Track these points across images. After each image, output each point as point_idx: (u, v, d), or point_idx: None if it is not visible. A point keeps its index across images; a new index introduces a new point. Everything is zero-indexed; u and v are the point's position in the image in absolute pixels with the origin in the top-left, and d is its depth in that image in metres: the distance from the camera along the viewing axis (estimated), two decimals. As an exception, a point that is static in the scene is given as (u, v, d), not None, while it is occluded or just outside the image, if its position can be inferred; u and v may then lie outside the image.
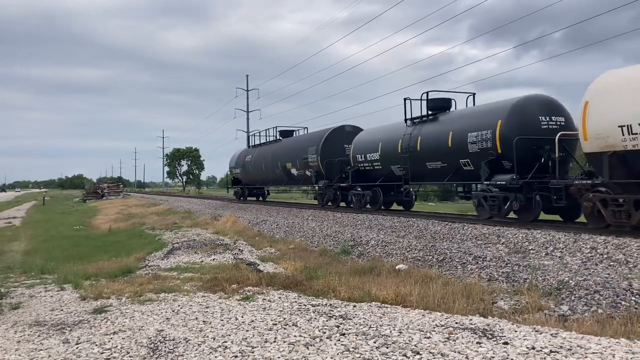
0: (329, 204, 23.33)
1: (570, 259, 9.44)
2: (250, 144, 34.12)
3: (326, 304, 7.33)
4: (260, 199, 35.03)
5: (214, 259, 12.84)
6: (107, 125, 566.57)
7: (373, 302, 7.57)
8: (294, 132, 29.58)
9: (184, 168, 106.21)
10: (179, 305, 7.42)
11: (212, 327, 6.07)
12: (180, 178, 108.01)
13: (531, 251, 10.34)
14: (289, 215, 22.04)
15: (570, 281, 7.69)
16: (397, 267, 10.50)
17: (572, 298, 7.25)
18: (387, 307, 7.17)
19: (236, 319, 6.45)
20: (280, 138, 29.15)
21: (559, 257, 9.69)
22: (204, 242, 15.64)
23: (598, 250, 9.41)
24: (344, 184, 21.39)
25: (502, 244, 11.22)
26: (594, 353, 4.31)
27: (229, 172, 35.71)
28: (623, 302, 6.68)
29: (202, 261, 12.60)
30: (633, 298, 6.71)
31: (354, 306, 7.20)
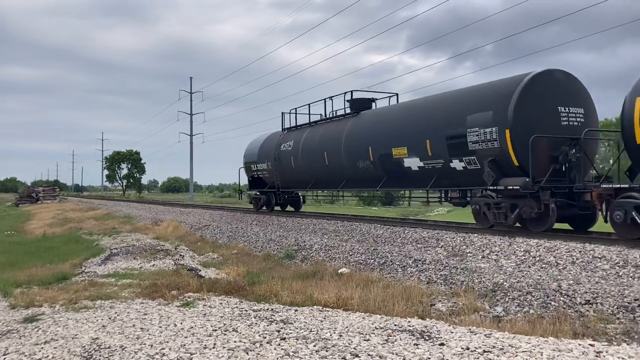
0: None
1: (505, 261, 9.79)
2: (285, 126, 22.26)
3: (268, 309, 7.30)
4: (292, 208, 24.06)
5: (153, 265, 12.55)
6: (43, 127, 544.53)
7: (315, 306, 7.60)
8: (373, 103, 18.60)
9: (124, 171, 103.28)
10: (115, 313, 7.21)
11: (149, 334, 5.93)
12: (120, 182, 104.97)
13: (468, 254, 10.66)
14: (233, 220, 21.84)
15: (505, 283, 7.97)
16: (339, 271, 10.58)
17: (506, 299, 7.52)
18: (328, 311, 7.21)
19: (175, 325, 6.33)
20: (355, 112, 17.91)
21: (495, 260, 10.02)
22: (143, 248, 15.26)
23: (531, 253, 9.80)
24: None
25: (441, 247, 11.51)
26: (523, 352, 4.49)
27: (243, 170, 24.83)
28: (553, 303, 6.98)
29: (141, 267, 12.29)
30: (562, 298, 7.02)
31: (296, 310, 7.20)
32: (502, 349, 4.62)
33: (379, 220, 17.92)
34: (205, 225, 21.12)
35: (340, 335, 5.50)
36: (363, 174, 16.59)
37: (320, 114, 20.44)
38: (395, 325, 6.02)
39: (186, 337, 5.69)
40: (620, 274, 8.05)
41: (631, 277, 7.86)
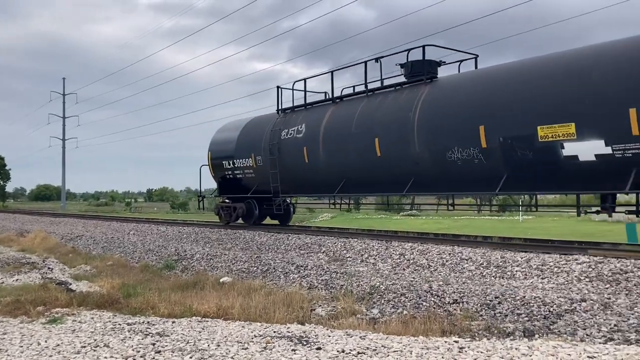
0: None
1: (382, 264, 10.19)
2: (280, 107, 16.11)
3: (143, 322, 7.00)
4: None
5: (17, 280, 11.56)
6: None
7: (194, 317, 7.41)
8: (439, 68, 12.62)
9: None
10: (-32, 334, 6.53)
11: (8, 354, 5.44)
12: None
13: (348, 259, 10.97)
14: (109, 230, 20.72)
15: (381, 286, 8.28)
16: (221, 280, 10.41)
17: (382, 301, 7.81)
18: (207, 321, 7.06)
19: (39, 344, 5.86)
20: (429, 78, 12.05)
21: (373, 263, 10.40)
22: (6, 261, 14.01)
23: (406, 256, 10.28)
24: None
25: (323, 252, 11.74)
26: (395, 351, 4.68)
27: (208, 169, 18.44)
28: (424, 303, 7.37)
29: (2, 282, 11.26)
30: (432, 299, 7.43)
31: (173, 322, 6.97)
32: (375, 349, 4.79)
33: (263, 227, 17.91)
34: (78, 236, 19.83)
35: (218, 345, 5.40)
36: (460, 170, 10.74)
37: (340, 90, 14.60)
38: (274, 332, 6.02)
39: (51, 356, 5.29)
40: (484, 274, 8.69)
41: (493, 276, 8.52)
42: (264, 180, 15.79)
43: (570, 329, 5.83)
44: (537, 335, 5.77)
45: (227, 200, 17.90)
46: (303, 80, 15.70)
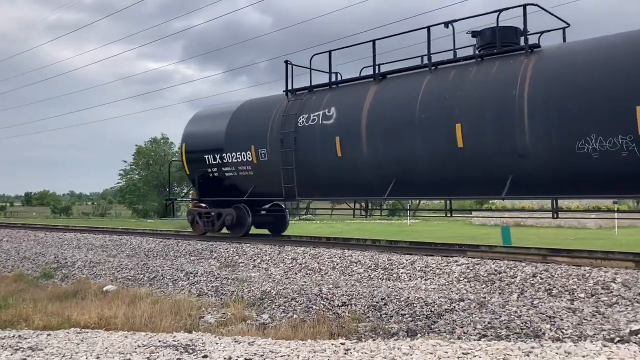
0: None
1: (275, 269, 10.19)
2: (291, 86, 12.73)
3: (14, 336, 6.45)
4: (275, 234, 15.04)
5: None
6: None
7: (72, 328, 6.97)
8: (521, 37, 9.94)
9: None
10: None
11: None
12: None
13: (240, 264, 10.85)
14: (-21, 236, 19.00)
15: (272, 291, 8.27)
16: (105, 289, 9.89)
17: (273, 306, 7.80)
18: (87, 332, 6.66)
19: None
20: (530, 48, 9.30)
21: (265, 268, 10.37)
22: None
23: (298, 261, 10.36)
24: None
25: (214, 258, 11.52)
26: (282, 356, 4.68)
27: (182, 164, 15.07)
28: (314, 307, 7.45)
29: None
30: (322, 302, 7.53)
31: (49, 335, 6.50)
32: (263, 355, 4.76)
33: (152, 233, 17.26)
34: (-58, 244, 18.00)
35: (98, 358, 5.10)
36: (596, 165, 8.28)
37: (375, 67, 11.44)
38: (160, 341, 5.80)
39: None
40: (372, 276, 8.96)
41: (380, 278, 8.80)
42: (269, 180, 12.58)
43: (449, 327, 6.16)
44: (419, 335, 6.04)
45: (202, 205, 14.26)
46: (327, 53, 12.14)
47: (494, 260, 8.63)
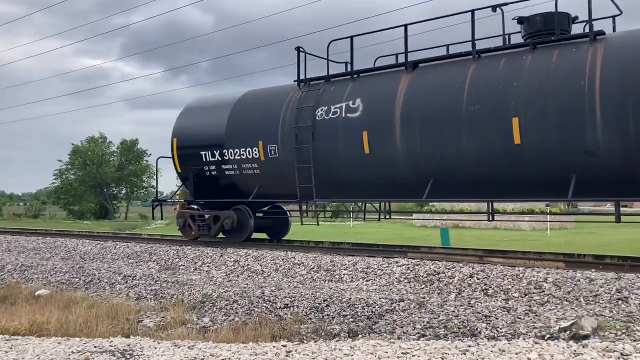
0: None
1: (216, 272, 10.06)
2: (305, 76, 11.59)
3: None
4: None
5: None
6: None
7: (1, 335, 6.63)
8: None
9: None
10: None
11: None
12: None
13: (181, 267, 10.65)
14: None
15: (214, 294, 8.16)
16: (37, 293, 9.49)
17: (214, 309, 7.70)
18: (17, 339, 6.36)
19: None
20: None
21: (206, 271, 10.22)
22: None
23: (240, 263, 10.27)
24: None
25: (154, 261, 11.26)
26: (223, 359, 4.63)
27: (173, 161, 13.43)
28: (256, 309, 7.40)
29: None
30: (264, 304, 7.50)
31: (-26, 343, 6.17)
32: (203, 359, 4.69)
33: (89, 235, 16.70)
34: None
35: (28, 366, 4.89)
36: None
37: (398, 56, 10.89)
38: (95, 347, 5.61)
39: None
40: (315, 278, 9.00)
41: (323, 280, 8.85)
42: (279, 179, 11.47)
43: (390, 327, 6.26)
44: (360, 335, 6.11)
45: (194, 206, 12.94)
46: (349, 38, 11.08)
47: (434, 261, 8.84)
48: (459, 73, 9.42)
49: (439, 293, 7.59)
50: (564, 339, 4.96)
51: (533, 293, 7.15)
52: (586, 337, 4.94)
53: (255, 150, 11.67)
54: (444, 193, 9.74)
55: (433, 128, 9.46)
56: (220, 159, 12.32)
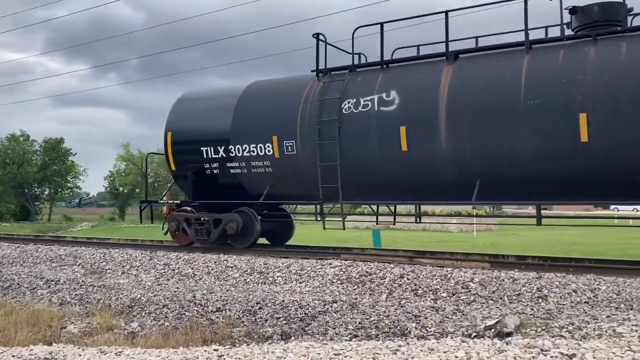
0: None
1: (145, 276, 9.78)
2: (325, 65, 10.74)
3: None
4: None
5: None
6: None
7: None
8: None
9: None
10: None
11: None
12: None
13: (108, 271, 10.29)
14: None
15: (143, 298, 7.92)
16: (-52, 300, 8.87)
17: (143, 314, 7.47)
18: None
19: None
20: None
21: (135, 275, 9.91)
22: None
23: (171, 266, 10.03)
24: None
25: (79, 265, 10.83)
26: (152, 365, 4.50)
27: (167, 157, 12.30)
28: (187, 313, 7.25)
29: None
30: (196, 308, 7.35)
31: None
32: (131, 365, 4.53)
33: (8, 238, 15.82)
34: None
35: (-62, 378, 4.56)
36: None
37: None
38: (13, 356, 5.30)
39: None
40: (248, 280, 8.92)
41: (256, 282, 8.79)
42: (296, 178, 10.53)
43: (322, 329, 6.29)
44: (292, 338, 6.10)
45: (187, 209, 11.78)
46: (379, 25, 10.17)
47: (366, 262, 8.97)
48: (511, 64, 8.80)
49: (370, 294, 7.70)
50: (489, 337, 5.15)
51: (460, 293, 7.40)
52: (509, 334, 5.16)
53: (268, 146, 10.67)
54: (492, 195, 9.23)
55: (485, 123, 8.74)
56: (225, 155, 11.25)
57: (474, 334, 5.50)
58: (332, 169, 9.87)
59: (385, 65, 10.03)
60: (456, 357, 4.02)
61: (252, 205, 11.22)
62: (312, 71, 10.80)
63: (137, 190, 47.48)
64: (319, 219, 11.09)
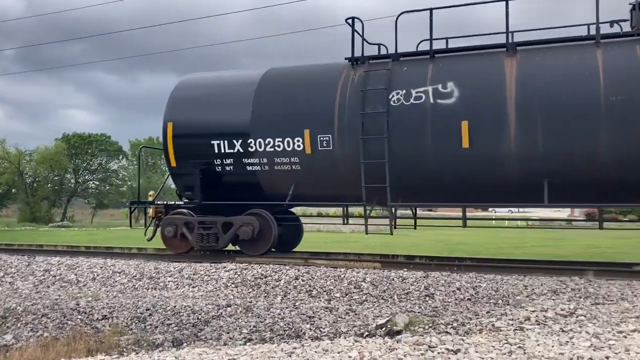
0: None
1: (22, 283, 9.07)
2: (361, 53, 9.76)
3: None
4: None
5: None
6: None
7: None
8: None
9: None
10: None
11: None
12: None
13: (-22, 279, 9.40)
14: None
15: (19, 307, 7.32)
16: None
17: (19, 325, 6.90)
18: None
19: None
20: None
21: (10, 282, 9.17)
22: None
23: (51, 272, 9.38)
24: None
25: (-57, 273, 9.79)
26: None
27: (167, 152, 10.57)
28: (69, 322, 6.80)
29: None
30: (79, 317, 6.92)
31: None
32: (4, 383, 4.17)
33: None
34: None
35: None
36: None
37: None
38: None
39: None
40: (137, 286, 8.54)
41: (146, 288, 8.43)
42: (331, 177, 9.60)
43: (216, 334, 6.16)
44: (185, 344, 5.92)
45: (183, 211, 10.61)
46: (428, 10, 9.44)
47: (261, 265, 8.92)
48: (584, 58, 8.42)
49: (265, 296, 7.67)
50: (380, 336, 5.31)
51: (353, 293, 7.57)
52: (399, 332, 5.35)
53: (298, 141, 9.58)
54: (567, 196, 8.67)
55: (559, 121, 8.26)
56: (242, 150, 9.96)
57: (366, 333, 5.64)
58: (379, 167, 8.97)
59: (432, 55, 9.36)
60: (349, 357, 4.10)
61: (266, 207, 10.21)
62: (346, 59, 9.90)
63: (13, 190, 43.89)
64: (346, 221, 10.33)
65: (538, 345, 4.26)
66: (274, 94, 9.99)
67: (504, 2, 8.88)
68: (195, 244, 10.24)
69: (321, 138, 9.44)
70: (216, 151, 10.14)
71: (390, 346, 4.36)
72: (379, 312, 6.52)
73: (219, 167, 10.25)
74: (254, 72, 10.55)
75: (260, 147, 9.82)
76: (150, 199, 11.06)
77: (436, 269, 8.68)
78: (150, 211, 10.88)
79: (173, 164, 10.59)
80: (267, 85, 10.09)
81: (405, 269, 8.56)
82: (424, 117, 8.88)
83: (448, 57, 9.39)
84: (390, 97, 9.08)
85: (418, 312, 6.43)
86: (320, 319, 6.31)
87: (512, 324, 5.38)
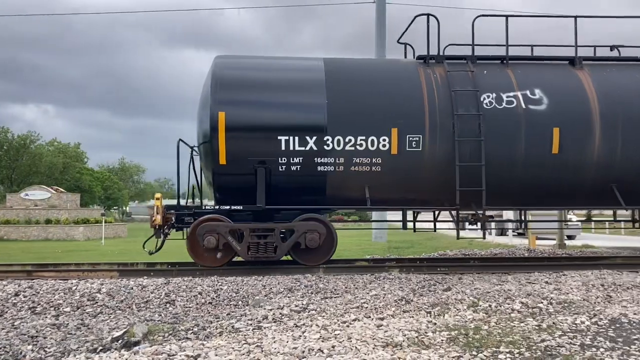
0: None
1: None
2: (440, 52, 9.12)
3: None
4: None
5: None
6: None
7: None
8: None
9: None
10: None
11: None
12: None
13: None
14: None
15: None
16: None
17: None
18: None
19: None
20: None
21: None
22: None
23: None
24: None
25: None
26: None
27: (218, 148, 7.66)
28: None
29: None
30: None
31: None
32: None
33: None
34: None
35: None
36: None
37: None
38: None
39: None
40: None
41: None
42: (418, 180, 9.06)
43: None
44: None
45: (219, 218, 8.93)
46: (504, 18, 9.65)
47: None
48: None
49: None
50: (116, 349, 4.95)
51: (86, 305, 6.96)
52: (137, 343, 5.07)
53: (383, 140, 8.91)
54: (630, 200, 9.30)
55: (635, 131, 9.19)
56: (315, 148, 8.93)
57: (100, 347, 5.21)
58: (475, 170, 8.88)
59: (507, 61, 9.72)
60: (79, 376, 3.73)
61: (317, 211, 9.23)
62: (419, 57, 9.85)
63: None
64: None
65: (274, 342, 4.46)
66: (349, 88, 9.29)
67: (573, 19, 9.72)
68: (246, 256, 8.91)
69: (410, 138, 9.04)
70: (283, 148, 9.00)
71: (127, 359, 4.10)
72: (116, 323, 6.10)
73: (283, 167, 9.08)
74: (305, 59, 9.89)
75: (338, 145, 9.01)
76: (156, 202, 9.34)
77: (178, 275, 8.54)
78: (158, 218, 9.23)
79: (222, 161, 9.03)
80: (337, 78, 9.38)
81: (145, 277, 8.23)
82: (517, 121, 9.15)
83: (520, 64, 9.84)
84: (482, 99, 9.16)
85: (158, 320, 6.20)
86: (45, 337, 5.62)
87: (251, 324, 5.55)
